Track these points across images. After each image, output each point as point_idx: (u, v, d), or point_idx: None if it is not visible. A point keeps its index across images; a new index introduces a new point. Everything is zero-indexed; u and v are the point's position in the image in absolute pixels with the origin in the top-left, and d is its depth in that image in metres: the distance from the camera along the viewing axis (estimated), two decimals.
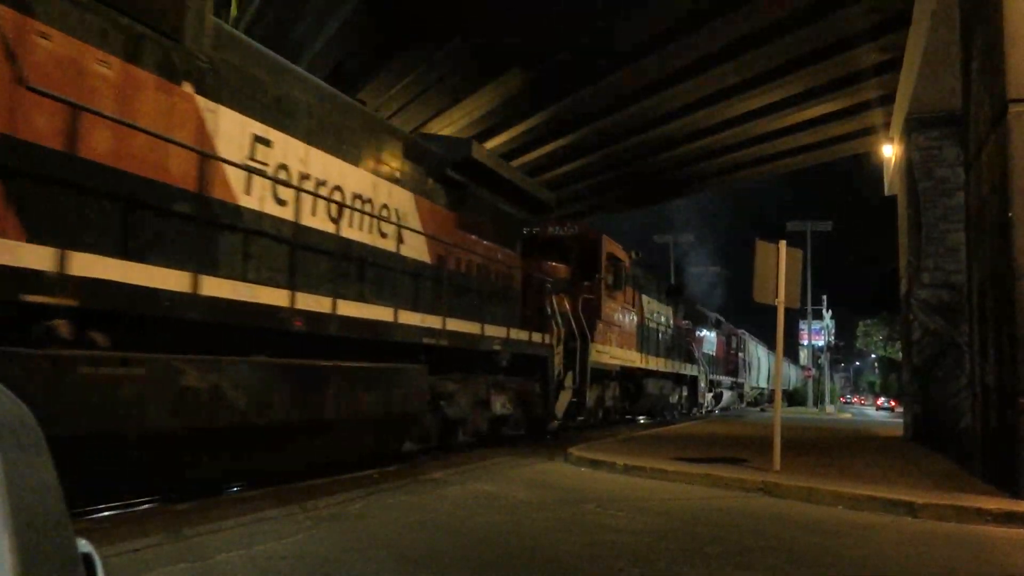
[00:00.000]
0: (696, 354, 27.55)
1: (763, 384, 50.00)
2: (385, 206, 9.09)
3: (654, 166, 28.53)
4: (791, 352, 64.68)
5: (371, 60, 19.94)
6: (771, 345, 49.26)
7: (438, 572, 4.57)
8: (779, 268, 9.32)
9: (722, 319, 36.44)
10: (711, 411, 31.77)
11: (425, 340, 9.30)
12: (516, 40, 19.29)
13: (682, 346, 25.35)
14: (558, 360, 14.04)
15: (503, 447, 12.37)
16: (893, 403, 63.28)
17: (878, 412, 58.38)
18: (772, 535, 5.94)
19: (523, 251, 13.54)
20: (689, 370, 26.12)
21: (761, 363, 49.38)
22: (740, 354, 40.20)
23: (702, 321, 31.07)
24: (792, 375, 62.23)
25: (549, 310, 13.88)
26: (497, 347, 11.32)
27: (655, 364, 21.02)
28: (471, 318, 10.63)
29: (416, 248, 9.65)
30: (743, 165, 29.23)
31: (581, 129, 24.72)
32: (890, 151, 19.07)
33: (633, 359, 18.85)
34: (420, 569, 4.59)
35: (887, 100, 19.36)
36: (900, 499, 7.25)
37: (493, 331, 11.17)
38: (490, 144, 25.03)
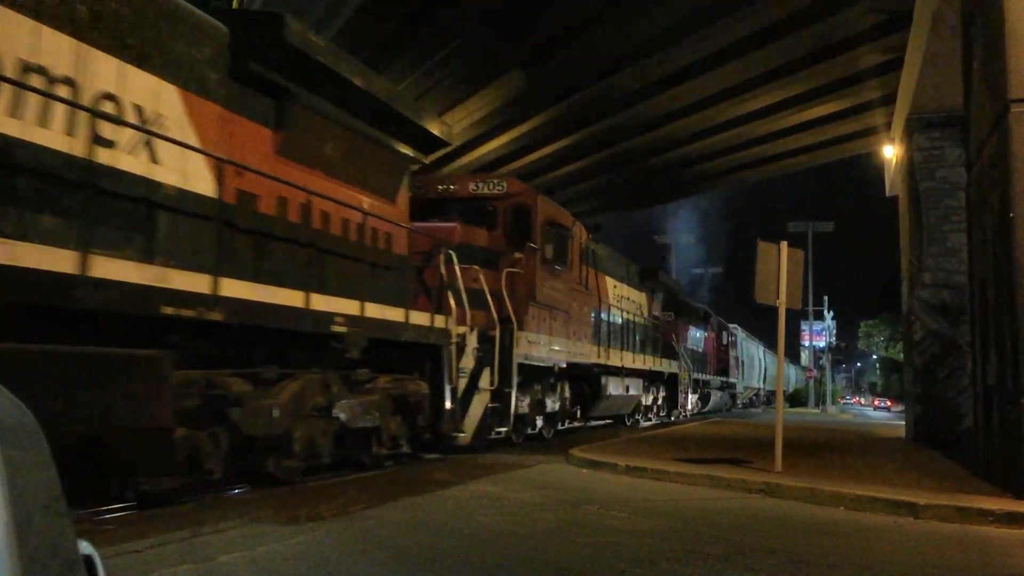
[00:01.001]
0: (678, 350, 24.19)
1: (758, 384, 47.48)
2: (113, 98, 5.77)
3: (656, 166, 28.55)
4: (792, 353, 64.66)
5: (372, 62, 19.95)
6: (770, 344, 49.19)
7: (440, 573, 4.56)
8: (780, 269, 9.31)
9: (711, 312, 33.42)
10: (696, 414, 28.37)
11: (166, 310, 5.75)
12: (518, 41, 19.30)
13: (660, 340, 22.00)
14: (469, 351, 10.93)
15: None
16: (889, 403, 65.29)
17: (875, 412, 58.90)
18: (774, 536, 5.94)
19: (424, 208, 11.46)
20: (668, 367, 22.62)
21: (757, 362, 46.94)
22: (732, 351, 36.88)
23: (687, 313, 27.33)
24: (792, 375, 62.04)
25: (446, 284, 10.50)
26: (340, 328, 7.83)
27: (620, 360, 17.65)
28: (294, 283, 7.26)
29: (184, 172, 6.36)
30: (745, 165, 29.26)
31: (583, 130, 24.74)
32: (891, 152, 19.07)
33: (586, 353, 15.27)
34: (422, 570, 4.59)
35: (888, 100, 19.35)
36: (902, 500, 7.24)
37: (336, 305, 7.80)
38: (492, 145, 25.08)
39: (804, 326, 59.23)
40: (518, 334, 11.68)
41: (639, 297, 20.23)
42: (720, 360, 33.71)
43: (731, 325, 38.55)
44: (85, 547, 1.33)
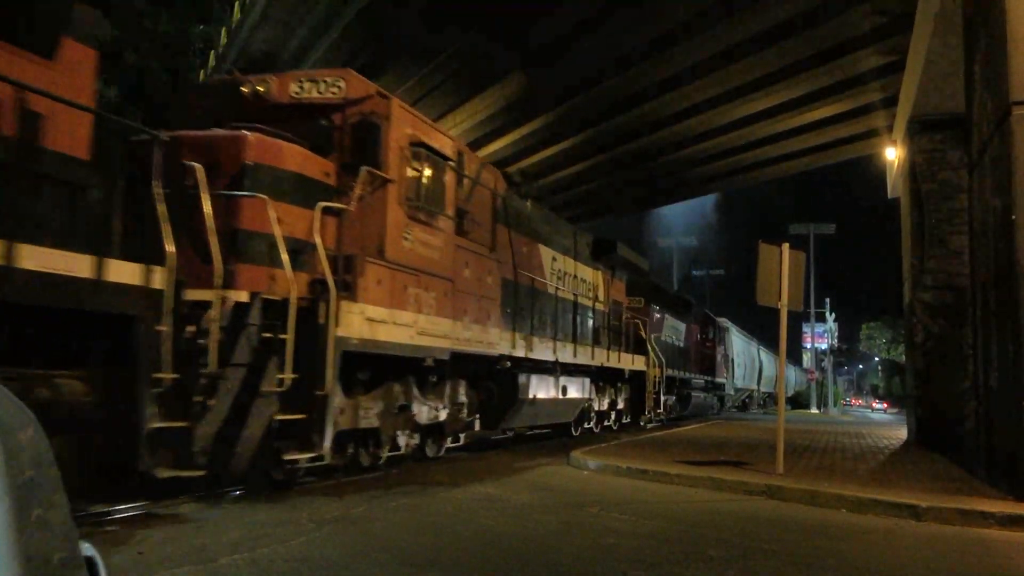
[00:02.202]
0: (648, 343, 19.99)
1: (751, 385, 44.16)
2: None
3: (658, 168, 28.59)
4: (793, 354, 64.64)
5: (373, 65, 19.98)
6: (768, 345, 48.96)
7: (441, 575, 4.57)
8: (782, 271, 9.31)
9: (693, 301, 29.32)
10: (673, 418, 24.47)
11: None
12: (519, 43, 19.32)
13: (623, 331, 18.18)
14: (214, 330, 6.65)
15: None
16: (886, 404, 69.55)
17: (873, 413, 59.79)
18: (775, 538, 5.93)
19: (239, 115, 7.99)
20: (631, 364, 18.28)
21: (751, 361, 43.84)
22: (720, 347, 32.76)
23: (662, 300, 23.46)
24: (792, 377, 61.89)
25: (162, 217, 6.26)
26: None
27: (553, 352, 13.28)
28: None
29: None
30: (747, 168, 29.29)
31: (584, 132, 24.78)
32: (893, 154, 19.07)
33: (490, 340, 10.96)
34: (423, 572, 4.59)
35: (890, 103, 19.37)
36: (903, 502, 7.23)
37: None
38: (493, 147, 25.11)
39: (806, 328, 59.24)
40: (345, 305, 7.50)
41: (591, 276, 16.16)
42: (705, 357, 29.71)
43: (720, 319, 34.96)
44: (87, 548, 1.34)
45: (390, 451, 9.08)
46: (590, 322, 15.75)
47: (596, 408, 16.80)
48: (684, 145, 26.18)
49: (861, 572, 5.04)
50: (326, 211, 7.63)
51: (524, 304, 12.31)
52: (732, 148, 26.63)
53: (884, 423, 33.35)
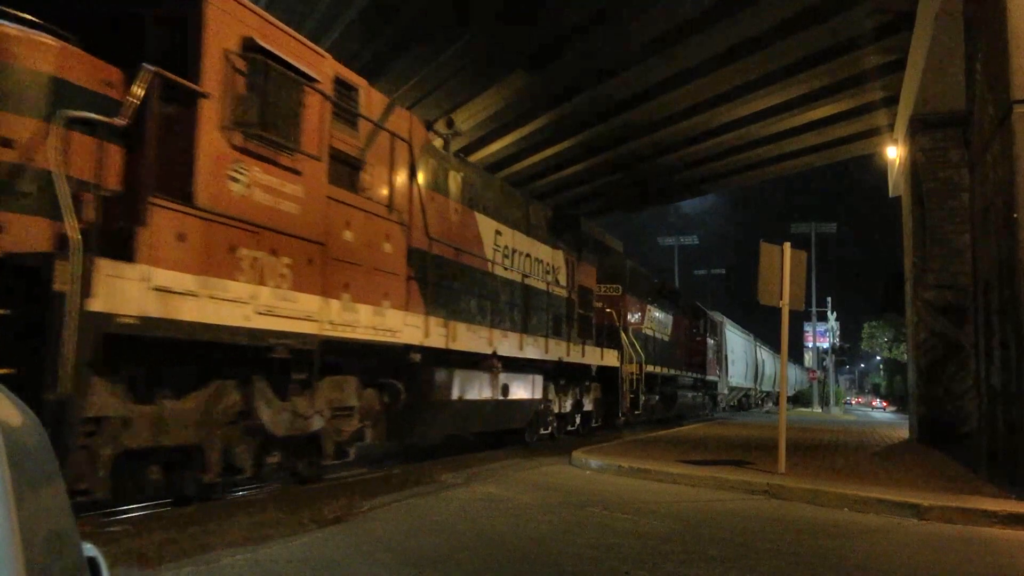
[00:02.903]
0: (622, 335, 17.70)
1: (748, 383, 41.97)
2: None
3: (659, 168, 28.55)
4: (794, 353, 64.63)
5: (374, 64, 19.98)
6: (766, 341, 48.79)
7: (443, 575, 4.57)
8: (783, 270, 9.31)
9: (679, 292, 27.33)
10: (657, 420, 22.10)
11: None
12: (520, 43, 19.33)
13: (592, 321, 15.76)
14: None
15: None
16: (885, 404, 71.39)
17: (873, 412, 60.34)
18: (777, 538, 5.93)
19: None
20: (600, 359, 15.84)
21: (748, 358, 41.86)
22: (712, 343, 30.10)
23: (641, 289, 20.84)
24: (793, 376, 61.84)
25: None
26: None
27: (485, 343, 10.77)
28: None
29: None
30: (748, 167, 29.24)
31: (586, 131, 24.75)
32: (894, 152, 19.07)
33: (385, 327, 8.36)
34: (425, 572, 4.59)
35: (891, 102, 19.35)
36: (906, 501, 7.23)
37: None
38: (494, 147, 25.13)
39: (807, 327, 59.26)
40: (108, 267, 5.10)
41: (550, 256, 13.69)
42: (694, 352, 27.35)
43: (714, 313, 32.56)
44: (89, 549, 1.34)
45: (227, 474, 6.54)
46: (547, 310, 13.18)
47: (556, 410, 14.27)
48: (685, 144, 26.14)
49: (863, 571, 5.04)
50: (91, 132, 5.33)
51: (447, 283, 9.77)
52: (732, 147, 26.59)
53: (886, 422, 33.34)
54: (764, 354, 47.78)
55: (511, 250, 12.14)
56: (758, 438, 15.43)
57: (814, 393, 54.52)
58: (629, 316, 18.98)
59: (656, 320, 22.02)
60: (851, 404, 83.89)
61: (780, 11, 17.41)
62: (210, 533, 5.37)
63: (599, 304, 16.93)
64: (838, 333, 62.49)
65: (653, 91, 21.79)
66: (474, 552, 5.14)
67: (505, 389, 11.62)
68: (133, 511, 6.21)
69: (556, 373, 13.96)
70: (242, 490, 7.50)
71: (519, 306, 12.17)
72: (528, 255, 12.81)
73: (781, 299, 9.31)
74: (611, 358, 16.65)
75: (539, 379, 13.05)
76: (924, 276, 14.98)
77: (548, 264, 13.66)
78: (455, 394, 10.14)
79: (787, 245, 9.43)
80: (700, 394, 28.57)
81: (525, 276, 12.47)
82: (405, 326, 8.63)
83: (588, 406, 16.07)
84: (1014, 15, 7.96)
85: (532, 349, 12.35)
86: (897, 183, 19.04)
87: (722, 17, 17.71)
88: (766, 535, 6.03)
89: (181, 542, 5.06)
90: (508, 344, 11.46)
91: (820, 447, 13.89)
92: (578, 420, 15.70)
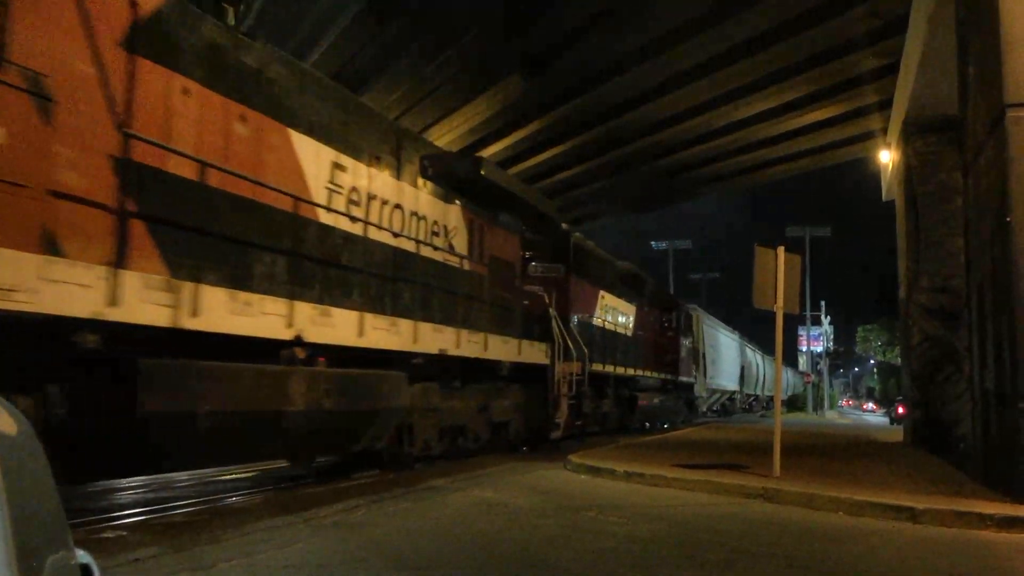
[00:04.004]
0: (555, 325, 13.91)
1: (731, 385, 38.45)
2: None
3: (654, 171, 28.63)
4: (788, 355, 64.76)
5: (370, 68, 20.00)
6: (753, 342, 48.48)
7: None
8: (778, 273, 9.33)
9: (647, 277, 23.07)
10: (618, 430, 18.75)
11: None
12: (515, 47, 19.35)
13: (509, 305, 12.33)
14: None
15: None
16: (875, 407, 71.62)
17: (866, 415, 61.04)
18: (772, 541, 5.93)
19: None
20: (509, 352, 12.07)
21: (732, 359, 38.56)
22: (686, 340, 26.15)
23: (592, 269, 17.39)
24: (787, 379, 61.70)
25: None
26: None
27: (281, 323, 7.12)
28: None
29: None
30: (742, 170, 29.34)
31: (581, 135, 24.80)
32: (888, 156, 19.13)
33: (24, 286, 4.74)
34: None
35: (885, 105, 19.43)
36: (901, 505, 7.24)
37: None
38: (491, 150, 25.15)
39: (801, 331, 59.39)
40: None
41: (437, 211, 10.39)
42: (663, 350, 23.55)
43: (690, 305, 28.81)
44: (82, 556, 1.33)
45: None
46: (429, 284, 9.90)
47: (445, 422, 10.62)
48: (680, 148, 26.22)
49: (859, 574, 5.04)
50: None
51: (201, 224, 6.32)
52: (727, 151, 26.69)
53: (880, 426, 33.42)
54: (751, 354, 46.05)
55: (364, 195, 8.67)
56: (753, 442, 15.43)
57: (809, 397, 54.61)
58: (573, 304, 15.42)
59: (614, 310, 18.55)
60: (843, 407, 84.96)
61: (774, 16, 17.50)
62: (205, 539, 5.35)
63: (532, 287, 13.85)
64: (832, 336, 62.75)
65: (647, 95, 21.86)
66: (470, 556, 5.13)
67: (328, 394, 7.66)
68: (126, 517, 6.18)
69: (438, 370, 10.25)
70: (236, 495, 7.48)
71: (376, 275, 8.74)
72: (398, 206, 9.36)
73: (776, 302, 9.33)
74: (534, 353, 13.00)
75: (401, 379, 9.04)
76: (918, 279, 15.01)
77: (436, 223, 10.26)
78: (209, 403, 6.22)
79: (781, 249, 9.44)
80: (671, 398, 24.72)
81: (395, 235, 9.13)
82: (43, 282, 4.89)
83: (503, 415, 12.33)
84: (1006, 19, 7.99)
85: (387, 336, 8.76)
86: (891, 187, 19.10)
87: (716, 22, 17.78)
88: (761, 539, 6.02)
89: (175, 548, 5.04)
90: (340, 327, 7.94)
91: (815, 450, 13.91)
92: (482, 432, 11.76)
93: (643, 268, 23.64)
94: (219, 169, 6.44)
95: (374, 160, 8.95)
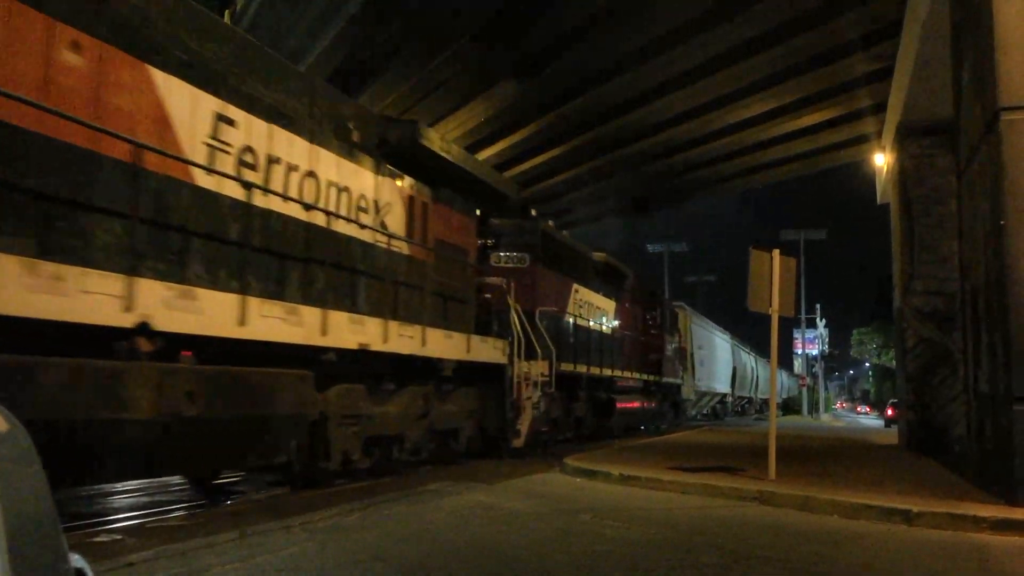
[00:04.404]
0: (512, 319, 12.32)
1: (722, 388, 37.16)
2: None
3: (650, 175, 28.67)
4: (784, 359, 64.85)
5: (365, 71, 19.99)
6: (746, 344, 48.37)
7: None
8: (773, 276, 9.34)
9: (626, 270, 20.79)
10: (586, 435, 17.02)
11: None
12: (511, 49, 19.37)
13: (446, 289, 10.59)
14: None
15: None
16: (868, 408, 73.85)
17: (860, 418, 61.78)
18: (768, 544, 5.93)
19: None
20: (463, 351, 10.71)
21: (723, 360, 37.37)
22: (672, 339, 24.45)
23: (566, 263, 15.80)
24: (782, 381, 61.54)
25: None
26: None
27: (100, 303, 5.36)
28: None
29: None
30: (738, 173, 29.40)
31: (577, 138, 24.83)
32: (882, 159, 19.17)
33: None
34: None
35: (879, 109, 19.48)
36: (896, 507, 7.24)
37: None
38: (485, 153, 25.16)
39: (796, 334, 59.50)
40: None
41: (366, 184, 8.94)
42: (646, 349, 21.85)
43: (677, 303, 27.58)
44: (77, 560, 1.33)
45: None
46: (349, 266, 8.53)
47: (372, 431, 8.91)
48: (674, 152, 26.26)
49: None
50: None
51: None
52: (721, 154, 26.75)
53: (875, 428, 33.48)
54: (744, 356, 45.15)
55: (262, 156, 7.32)
56: (748, 445, 15.45)
57: (804, 399, 54.71)
58: (542, 297, 13.97)
59: (589, 306, 17.06)
60: (837, 409, 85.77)
61: (768, 20, 17.53)
62: (201, 543, 5.33)
63: (494, 278, 12.63)
64: (827, 339, 62.89)
65: (642, 99, 21.90)
66: (465, 560, 5.12)
67: (200, 398, 6.21)
68: (121, 521, 6.16)
69: (373, 371, 8.93)
70: (232, 498, 7.46)
71: (275, 253, 7.44)
72: (312, 174, 8.00)
73: (771, 306, 9.34)
74: (488, 351, 11.41)
75: (305, 380, 7.59)
76: (912, 282, 15.04)
77: (363, 197, 8.76)
78: None
79: (776, 252, 9.45)
80: (655, 401, 22.77)
81: (308, 207, 7.80)
82: None
83: (448, 422, 10.77)
84: (1000, 22, 8.01)
85: (282, 327, 7.23)
86: (885, 190, 19.14)
87: (712, 25, 17.82)
88: (757, 542, 6.03)
89: (170, 552, 5.02)
90: (210, 313, 6.37)
91: (810, 453, 13.93)
92: (420, 443, 10.10)
93: (645, 271, 23.20)
94: (25, 103, 4.93)
95: (278, 116, 7.47)
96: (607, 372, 17.82)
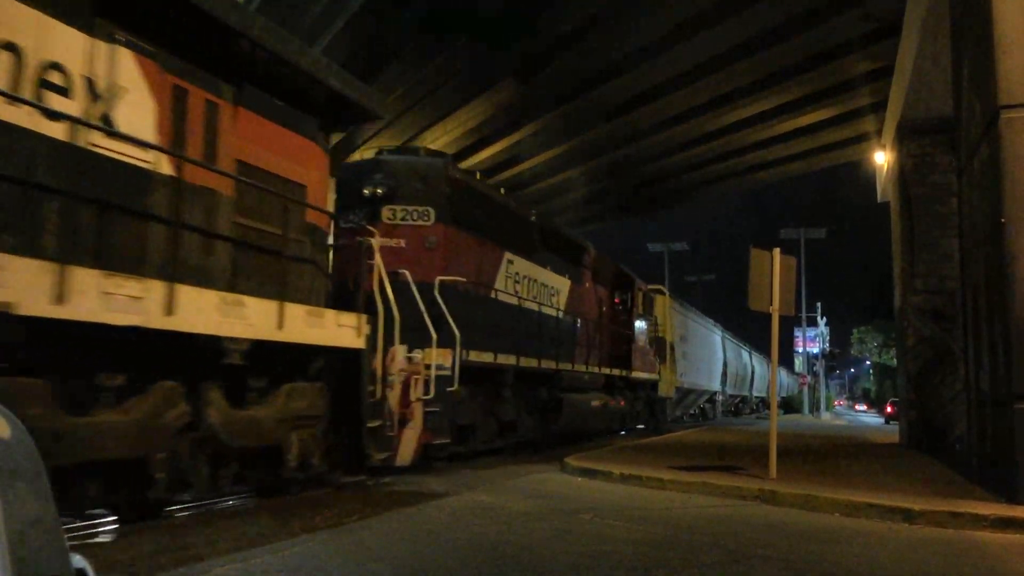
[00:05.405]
0: (380, 290, 8.87)
1: (712, 385, 33.66)
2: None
3: (649, 175, 28.69)
4: (785, 358, 64.84)
5: (364, 72, 20.00)
6: (741, 341, 47.95)
7: None
8: (773, 275, 9.33)
9: (586, 243, 17.36)
10: (524, 441, 13.80)
11: None
12: (510, 51, 19.37)
13: (266, 240, 7.03)
14: None
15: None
16: (866, 406, 74.57)
17: (860, 416, 62.10)
18: (769, 543, 5.93)
19: None
20: (266, 322, 6.60)
21: (711, 354, 33.75)
22: (644, 326, 20.55)
23: (491, 225, 12.46)
24: (782, 380, 61.32)
25: None
26: None
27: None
28: None
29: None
30: (738, 173, 29.42)
31: (575, 139, 24.84)
32: (882, 158, 19.18)
33: None
34: None
35: (879, 107, 19.50)
36: (897, 506, 7.25)
37: None
38: (484, 154, 25.18)
39: (797, 332, 59.49)
40: None
41: (64, 50, 5.17)
42: (612, 339, 18.46)
43: (655, 285, 24.05)
44: (78, 560, 1.33)
45: None
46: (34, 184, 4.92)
47: (72, 456, 5.12)
48: (674, 151, 26.29)
49: None
50: None
51: None
52: (722, 154, 26.78)
53: (875, 427, 33.47)
54: (738, 351, 42.10)
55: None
56: (748, 444, 15.44)
57: (805, 398, 54.69)
58: (450, 264, 10.96)
59: (529, 282, 13.74)
60: (837, 407, 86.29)
61: (768, 19, 17.54)
62: (200, 543, 5.33)
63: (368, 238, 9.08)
64: (828, 338, 62.83)
65: (642, 98, 21.92)
66: (466, 560, 5.12)
67: None
68: (121, 521, 6.16)
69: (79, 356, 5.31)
70: (231, 499, 7.46)
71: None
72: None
73: (771, 304, 9.33)
74: (325, 330, 7.58)
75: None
76: (913, 281, 15.04)
77: (57, 67, 5.16)
78: None
79: (776, 251, 9.45)
80: (622, 400, 18.93)
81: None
82: None
83: (246, 438, 6.68)
84: (1000, 21, 8.02)
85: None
86: (885, 188, 19.15)
87: (711, 24, 17.83)
88: (758, 541, 6.03)
89: (171, 552, 5.02)
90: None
91: (811, 452, 13.92)
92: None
93: (643, 272, 21.64)
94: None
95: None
96: (550, 365, 14.02)
